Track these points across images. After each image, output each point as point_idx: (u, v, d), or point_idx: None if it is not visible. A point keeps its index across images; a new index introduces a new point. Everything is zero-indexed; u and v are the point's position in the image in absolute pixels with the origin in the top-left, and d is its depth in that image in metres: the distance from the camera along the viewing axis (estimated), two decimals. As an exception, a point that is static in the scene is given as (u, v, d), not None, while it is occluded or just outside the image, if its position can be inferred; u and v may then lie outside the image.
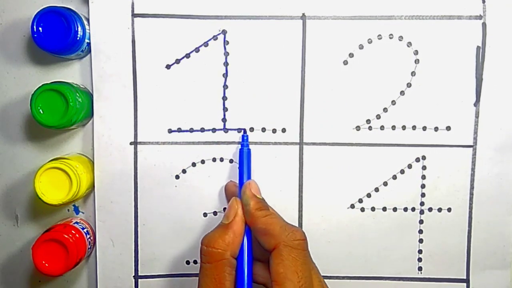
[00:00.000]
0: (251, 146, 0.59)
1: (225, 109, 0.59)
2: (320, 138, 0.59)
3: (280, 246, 0.50)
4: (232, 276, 0.50)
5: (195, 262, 0.61)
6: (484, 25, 0.58)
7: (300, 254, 0.49)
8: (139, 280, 0.61)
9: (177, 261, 0.61)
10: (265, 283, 0.54)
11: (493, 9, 0.58)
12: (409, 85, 0.59)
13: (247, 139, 0.58)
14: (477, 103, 0.59)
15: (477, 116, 0.59)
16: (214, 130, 0.60)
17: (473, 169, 0.60)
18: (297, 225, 0.60)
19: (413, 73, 0.59)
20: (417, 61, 0.59)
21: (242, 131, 0.59)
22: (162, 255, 0.61)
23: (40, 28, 0.55)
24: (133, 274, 0.61)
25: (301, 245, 0.50)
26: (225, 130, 0.60)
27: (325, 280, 0.60)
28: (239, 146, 0.58)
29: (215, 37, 0.59)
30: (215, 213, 0.60)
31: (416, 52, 0.59)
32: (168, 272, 0.61)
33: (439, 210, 0.60)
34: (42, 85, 0.54)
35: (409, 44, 0.58)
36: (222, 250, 0.50)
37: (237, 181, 0.58)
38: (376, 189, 0.60)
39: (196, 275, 0.60)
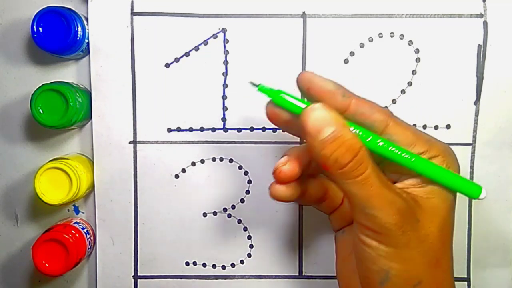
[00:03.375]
0: (251, 146, 0.59)
1: (224, 108, 0.59)
2: (320, 137, 0.59)
3: (391, 119, 0.44)
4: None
5: (194, 263, 0.61)
6: (485, 23, 0.58)
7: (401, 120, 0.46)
8: (139, 280, 0.61)
9: (177, 262, 0.61)
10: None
11: (493, 8, 0.58)
12: (409, 83, 0.59)
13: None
14: (477, 101, 0.59)
15: (477, 114, 0.59)
16: (213, 129, 0.59)
17: (472, 167, 0.59)
18: (297, 225, 0.60)
19: (414, 72, 0.59)
20: (418, 60, 0.58)
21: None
22: (162, 255, 0.61)
23: (40, 28, 0.55)
24: (133, 274, 0.61)
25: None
26: (225, 129, 0.59)
27: (325, 280, 0.60)
28: (238, 145, 0.58)
29: (214, 36, 0.59)
30: (214, 213, 0.60)
31: (417, 51, 0.58)
32: (167, 273, 0.61)
33: (440, 209, 0.60)
34: (42, 85, 0.55)
35: (410, 42, 0.58)
36: (363, 146, 0.42)
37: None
38: (376, 188, 0.60)
39: (196, 277, 0.61)
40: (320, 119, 0.43)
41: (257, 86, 0.47)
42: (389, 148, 0.44)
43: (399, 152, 0.44)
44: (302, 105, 0.45)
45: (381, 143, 0.44)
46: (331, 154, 0.42)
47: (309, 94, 0.46)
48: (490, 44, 0.58)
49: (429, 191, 0.45)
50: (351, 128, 0.44)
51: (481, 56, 0.58)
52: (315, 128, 0.43)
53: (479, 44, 0.58)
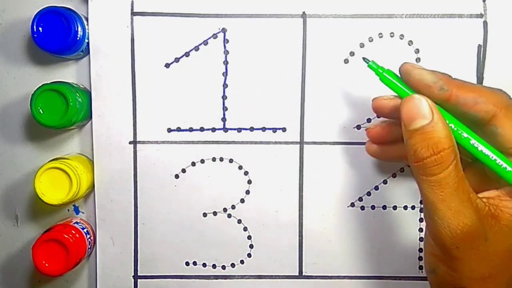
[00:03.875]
0: (251, 146, 0.60)
1: (224, 108, 0.59)
2: (321, 137, 0.59)
3: (501, 111, 0.45)
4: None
5: (194, 263, 0.61)
6: (485, 23, 0.58)
7: None
8: (139, 280, 0.61)
9: (177, 262, 0.61)
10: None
11: (494, 8, 0.58)
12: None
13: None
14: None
15: (477, 114, 0.59)
16: (213, 129, 0.59)
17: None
18: (297, 224, 0.60)
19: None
20: (418, 60, 0.58)
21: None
22: (162, 255, 0.61)
23: (40, 28, 0.55)
24: (133, 274, 0.61)
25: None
26: (225, 129, 0.59)
27: (326, 281, 0.60)
28: (242, 145, 0.59)
29: (215, 36, 0.59)
30: (215, 213, 0.60)
31: (417, 51, 0.58)
32: (167, 274, 0.61)
33: (439, 208, 0.60)
34: (42, 85, 0.55)
35: (410, 42, 0.58)
36: (452, 146, 0.43)
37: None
38: (376, 188, 0.60)
39: (196, 277, 0.61)
40: (415, 109, 0.44)
41: (368, 61, 0.50)
42: (484, 151, 0.45)
43: (493, 158, 0.45)
44: (406, 91, 0.48)
45: (475, 143, 0.45)
46: (414, 144, 0.44)
47: (409, 86, 0.48)
48: (490, 44, 0.58)
49: None
50: (452, 125, 0.45)
51: (481, 56, 0.58)
52: (408, 117, 0.45)
53: (479, 44, 0.58)
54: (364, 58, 0.51)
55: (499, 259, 0.45)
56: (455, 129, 0.46)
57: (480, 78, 0.58)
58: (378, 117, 0.59)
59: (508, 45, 0.58)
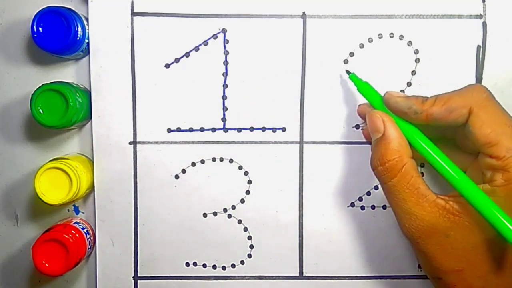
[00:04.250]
0: (251, 146, 0.60)
1: (224, 109, 0.59)
2: (320, 137, 0.59)
3: (473, 110, 0.47)
4: (420, 178, 0.49)
5: (194, 264, 0.61)
6: (484, 24, 0.58)
7: (494, 105, 0.48)
8: (139, 281, 0.61)
9: (177, 263, 0.61)
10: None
11: (493, 8, 0.58)
12: (409, 84, 0.59)
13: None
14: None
15: (476, 114, 0.59)
16: (213, 129, 0.59)
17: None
18: (297, 225, 0.60)
19: (413, 72, 0.59)
20: (417, 60, 0.59)
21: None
22: (162, 256, 0.60)
23: (40, 28, 0.55)
24: (133, 275, 0.61)
25: (489, 97, 0.48)
26: (225, 129, 0.59)
27: (326, 281, 0.60)
28: (240, 145, 0.59)
29: (215, 36, 0.59)
30: (215, 213, 0.60)
31: (416, 51, 0.58)
32: (168, 274, 0.61)
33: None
34: (42, 85, 0.54)
35: (410, 43, 0.58)
36: (398, 157, 0.49)
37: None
38: (376, 187, 0.60)
39: (196, 278, 0.61)
40: (373, 124, 0.51)
41: (349, 73, 0.56)
42: (439, 160, 0.49)
43: (446, 167, 0.48)
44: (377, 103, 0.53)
45: (434, 154, 0.49)
46: (371, 155, 0.51)
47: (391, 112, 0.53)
48: (489, 45, 0.58)
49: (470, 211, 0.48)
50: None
51: (480, 56, 0.58)
52: (370, 130, 0.52)
53: (478, 45, 0.58)
54: (346, 70, 0.57)
55: (468, 254, 0.48)
56: (423, 144, 0.50)
57: (479, 79, 0.59)
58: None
59: (507, 45, 0.58)
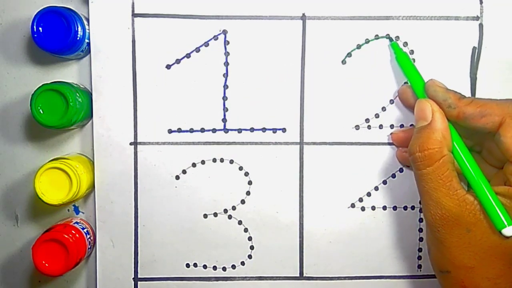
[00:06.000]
0: (251, 147, 0.60)
1: (225, 109, 0.59)
2: (320, 137, 0.60)
3: (506, 120, 0.49)
4: (455, 172, 0.50)
5: (195, 265, 0.61)
6: (481, 26, 0.59)
7: None
8: (139, 282, 0.61)
9: (177, 264, 0.61)
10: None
11: (490, 10, 0.59)
12: (406, 83, 0.59)
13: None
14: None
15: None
16: (214, 130, 0.60)
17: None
18: (297, 225, 0.60)
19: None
20: (413, 61, 0.59)
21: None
22: (162, 257, 0.60)
23: (40, 28, 0.55)
24: (133, 276, 0.60)
25: None
26: (225, 130, 0.60)
27: (326, 281, 0.60)
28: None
29: (215, 37, 0.59)
30: (215, 214, 0.60)
31: (411, 52, 0.59)
32: (168, 275, 0.61)
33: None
34: (42, 85, 0.54)
35: (405, 44, 0.59)
36: (438, 148, 0.50)
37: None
38: (376, 188, 0.60)
39: (196, 279, 0.61)
40: (420, 111, 0.53)
41: (392, 41, 0.59)
42: (464, 160, 0.51)
43: (469, 167, 0.51)
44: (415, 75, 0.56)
45: (462, 155, 0.51)
46: (412, 140, 0.52)
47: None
48: (485, 46, 0.59)
49: None
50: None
51: (475, 57, 0.59)
52: (416, 117, 0.53)
53: (474, 46, 0.59)
54: (388, 36, 0.59)
55: (482, 253, 0.49)
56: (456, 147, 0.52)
57: (473, 79, 0.59)
58: (377, 118, 0.59)
59: (502, 46, 0.59)
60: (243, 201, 0.60)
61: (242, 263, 0.61)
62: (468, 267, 0.49)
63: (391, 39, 0.58)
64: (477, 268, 0.49)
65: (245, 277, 0.61)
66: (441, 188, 0.49)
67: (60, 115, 0.54)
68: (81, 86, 0.58)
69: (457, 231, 0.49)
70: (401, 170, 0.60)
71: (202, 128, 0.60)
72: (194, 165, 0.60)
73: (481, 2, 0.58)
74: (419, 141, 0.51)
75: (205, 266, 0.61)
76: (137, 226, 0.60)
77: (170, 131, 0.59)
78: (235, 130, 0.60)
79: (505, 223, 0.47)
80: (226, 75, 0.59)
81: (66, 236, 0.55)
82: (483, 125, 0.50)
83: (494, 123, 0.50)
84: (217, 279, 0.61)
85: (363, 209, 0.60)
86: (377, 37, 0.59)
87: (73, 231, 0.56)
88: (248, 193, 0.60)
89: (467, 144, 0.53)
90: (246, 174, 0.60)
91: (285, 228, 0.60)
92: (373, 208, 0.60)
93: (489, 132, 0.51)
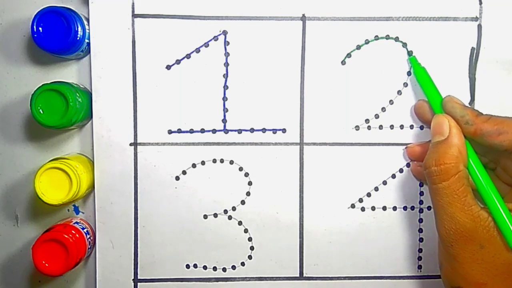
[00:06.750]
0: (251, 148, 0.60)
1: (225, 110, 0.59)
2: (320, 138, 0.60)
3: None
4: (470, 188, 0.50)
5: (195, 266, 0.61)
6: (479, 26, 0.59)
7: None
8: (139, 283, 0.60)
9: (177, 265, 0.60)
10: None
11: (489, 11, 0.59)
12: (405, 84, 0.59)
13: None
14: (472, 102, 0.59)
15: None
16: (214, 131, 0.60)
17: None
18: (298, 226, 0.60)
19: (408, 73, 0.59)
20: (411, 61, 0.59)
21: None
22: (162, 258, 0.60)
23: (40, 28, 0.55)
24: (133, 278, 0.60)
25: None
26: (225, 131, 0.60)
27: (326, 282, 0.60)
28: (239, 146, 0.59)
29: (215, 38, 0.59)
30: (215, 215, 0.60)
31: (411, 53, 0.59)
32: (168, 276, 0.60)
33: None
34: (42, 85, 0.54)
35: (405, 44, 0.59)
36: (455, 163, 0.50)
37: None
38: (376, 189, 0.60)
39: (196, 280, 0.61)
40: (438, 126, 0.53)
41: (411, 55, 0.59)
42: (479, 177, 0.52)
43: (483, 183, 0.51)
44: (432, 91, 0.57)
45: (478, 172, 0.52)
46: (427, 154, 0.52)
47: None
48: (483, 47, 0.59)
49: None
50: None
51: (474, 57, 0.59)
52: (433, 131, 0.54)
53: (472, 47, 0.59)
54: (408, 51, 0.59)
55: (495, 269, 0.49)
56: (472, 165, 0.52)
57: (472, 79, 0.59)
58: (377, 118, 0.60)
59: (501, 46, 0.59)
60: (243, 202, 0.60)
61: (242, 264, 0.61)
62: (481, 283, 0.49)
63: (410, 53, 0.59)
64: (489, 285, 0.49)
65: (245, 277, 0.61)
66: (456, 203, 0.49)
67: (60, 115, 0.54)
68: (81, 86, 0.58)
69: (471, 247, 0.49)
70: (401, 171, 0.60)
71: (202, 129, 0.60)
72: (194, 165, 0.60)
73: (480, 3, 0.59)
74: (435, 155, 0.51)
75: (205, 267, 0.60)
76: (137, 227, 0.60)
77: (170, 132, 0.59)
78: (235, 130, 0.60)
79: None
80: (226, 75, 0.59)
81: (66, 236, 0.54)
82: (500, 143, 0.51)
83: (511, 141, 0.50)
84: (217, 280, 0.61)
85: (363, 209, 0.60)
86: (376, 37, 0.59)
87: (73, 231, 0.56)
88: (248, 193, 0.60)
89: (482, 161, 0.53)
90: (246, 174, 0.60)
91: (285, 229, 0.60)
92: (373, 208, 0.60)
93: (506, 150, 0.52)
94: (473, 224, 0.49)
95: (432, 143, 0.53)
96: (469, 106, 0.55)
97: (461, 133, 0.52)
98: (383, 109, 0.60)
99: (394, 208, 0.60)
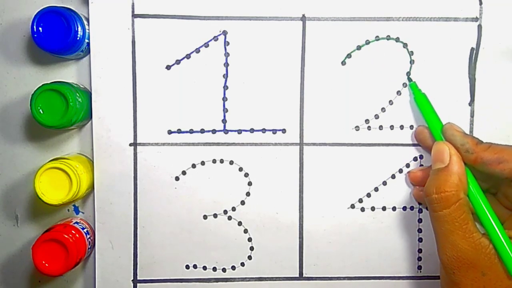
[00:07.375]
0: (251, 148, 0.60)
1: (225, 110, 0.59)
2: (320, 138, 0.60)
3: None
4: (470, 215, 0.51)
5: (195, 266, 0.61)
6: (479, 27, 0.59)
7: None
8: (138, 284, 0.60)
9: (177, 265, 0.60)
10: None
11: (489, 11, 0.59)
12: (405, 85, 0.59)
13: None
14: (471, 102, 0.59)
15: (472, 115, 0.60)
16: (214, 131, 0.60)
17: (469, 167, 0.60)
18: (297, 226, 0.60)
19: (408, 73, 0.59)
20: (412, 62, 0.59)
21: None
22: (162, 259, 0.60)
23: (40, 28, 0.55)
24: (132, 278, 0.60)
25: None
26: (225, 131, 0.60)
27: (326, 282, 0.60)
28: (241, 146, 0.59)
29: (215, 38, 0.59)
30: (215, 215, 0.60)
31: (411, 53, 0.59)
32: (167, 277, 0.60)
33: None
34: (42, 85, 0.54)
35: (405, 45, 0.59)
36: (455, 191, 0.51)
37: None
38: (376, 189, 0.60)
39: (196, 280, 0.61)
40: (438, 153, 0.54)
41: (411, 81, 0.59)
42: (481, 204, 0.52)
43: (486, 211, 0.52)
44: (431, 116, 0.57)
45: (479, 199, 0.52)
46: (428, 182, 0.53)
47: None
48: (483, 47, 0.59)
49: None
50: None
51: (473, 58, 0.59)
52: (433, 158, 0.54)
53: (472, 47, 0.59)
54: (408, 77, 0.60)
55: None
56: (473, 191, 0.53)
57: (472, 80, 0.59)
58: (376, 119, 0.60)
59: (501, 47, 0.59)
60: (243, 202, 0.60)
61: (242, 264, 0.61)
62: None
63: (410, 79, 0.59)
64: None
65: (245, 278, 0.61)
66: (457, 231, 0.50)
67: (60, 115, 0.54)
68: (81, 86, 0.58)
69: (472, 274, 0.50)
70: (400, 171, 0.60)
71: (202, 129, 0.60)
72: (193, 166, 0.60)
73: (480, 3, 0.59)
74: (436, 183, 0.52)
75: (204, 268, 0.60)
76: (137, 228, 0.60)
77: (170, 132, 0.59)
78: (235, 131, 0.60)
79: None
80: (226, 76, 0.59)
81: (66, 236, 0.54)
82: (500, 171, 0.51)
83: (511, 169, 0.51)
84: (217, 280, 0.61)
85: (362, 209, 0.60)
86: (377, 38, 0.59)
87: (73, 231, 0.56)
88: (248, 194, 0.60)
89: (483, 187, 0.53)
90: (246, 175, 0.60)
91: (285, 229, 0.60)
92: (373, 208, 0.60)
93: (506, 178, 0.52)
94: (475, 252, 0.49)
95: (432, 170, 0.54)
96: (469, 134, 0.56)
97: (462, 160, 0.52)
98: (383, 110, 0.60)
99: (394, 209, 0.60)
